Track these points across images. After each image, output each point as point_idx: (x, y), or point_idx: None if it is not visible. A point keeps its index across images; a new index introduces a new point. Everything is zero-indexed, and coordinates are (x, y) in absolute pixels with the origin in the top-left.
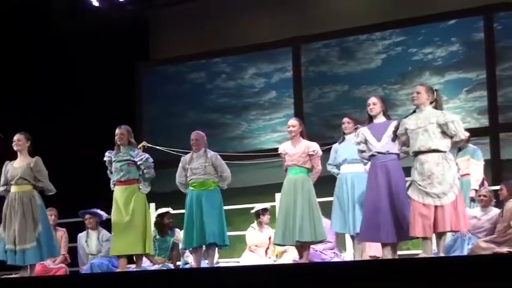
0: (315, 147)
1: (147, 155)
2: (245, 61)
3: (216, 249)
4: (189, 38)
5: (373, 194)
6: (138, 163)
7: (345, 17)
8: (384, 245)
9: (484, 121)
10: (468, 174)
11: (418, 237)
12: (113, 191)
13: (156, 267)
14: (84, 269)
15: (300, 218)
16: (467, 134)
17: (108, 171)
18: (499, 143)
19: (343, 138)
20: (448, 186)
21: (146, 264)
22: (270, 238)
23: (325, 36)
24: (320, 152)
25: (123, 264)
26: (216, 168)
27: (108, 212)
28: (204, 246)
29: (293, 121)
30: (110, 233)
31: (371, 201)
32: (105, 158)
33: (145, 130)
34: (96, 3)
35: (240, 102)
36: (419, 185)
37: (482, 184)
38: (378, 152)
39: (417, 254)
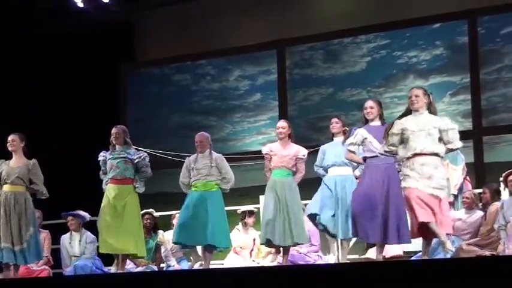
0: (305, 151)
1: (144, 154)
2: (230, 63)
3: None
4: (174, 40)
5: (369, 194)
6: (136, 161)
7: (330, 20)
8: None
9: (468, 124)
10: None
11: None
12: (103, 192)
13: (139, 269)
14: (68, 271)
15: (288, 220)
16: (462, 144)
17: (101, 172)
18: (482, 146)
19: (332, 139)
20: (443, 185)
21: (130, 266)
22: (254, 240)
23: (310, 39)
24: (306, 157)
25: (124, 263)
26: (219, 170)
27: (93, 212)
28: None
29: (283, 123)
30: (94, 234)
31: (367, 201)
32: (99, 158)
33: (130, 132)
34: (80, 5)
35: (224, 104)
36: (418, 179)
37: (461, 187)
38: (381, 154)
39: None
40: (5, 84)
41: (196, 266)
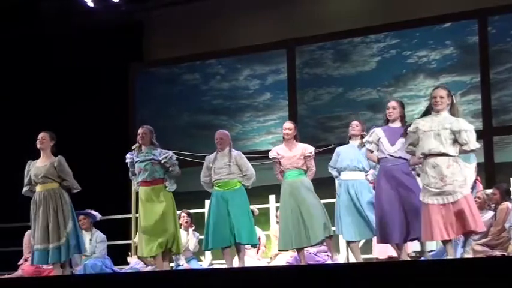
0: (311, 148)
1: (170, 153)
2: (239, 63)
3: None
4: (183, 40)
5: (382, 198)
6: (163, 161)
7: (340, 19)
8: (398, 246)
9: (478, 124)
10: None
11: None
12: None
13: (149, 268)
14: (78, 270)
15: (315, 217)
16: (479, 145)
17: (130, 173)
18: (492, 146)
19: (348, 142)
20: (460, 184)
21: (140, 265)
22: (259, 239)
23: (319, 39)
24: (313, 153)
25: (161, 264)
26: (240, 168)
27: (104, 211)
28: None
29: (289, 124)
30: (104, 234)
31: (381, 205)
32: (127, 160)
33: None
34: (90, 4)
35: (234, 103)
36: (432, 188)
37: (474, 186)
38: (390, 155)
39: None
40: (13, 83)
41: (206, 265)
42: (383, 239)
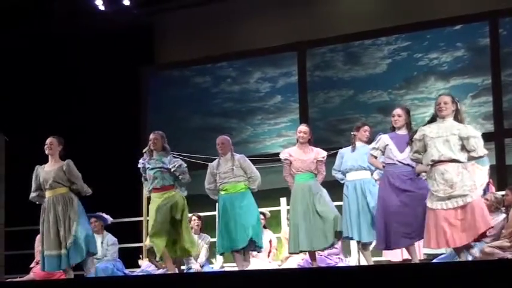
0: (324, 153)
1: (180, 161)
2: (250, 65)
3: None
4: (194, 42)
5: (388, 202)
6: (172, 170)
7: (351, 21)
8: (409, 249)
9: (489, 126)
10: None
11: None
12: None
13: (160, 271)
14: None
15: (326, 220)
16: (486, 151)
17: (143, 178)
18: (504, 148)
19: (354, 146)
20: (469, 188)
21: (151, 268)
22: (270, 241)
23: (330, 41)
24: (326, 158)
25: (172, 267)
26: (244, 170)
27: (114, 214)
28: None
29: (305, 127)
30: (115, 237)
31: (383, 210)
32: (139, 165)
33: (149, 134)
34: (101, 7)
35: (245, 106)
36: (441, 194)
37: (487, 189)
38: (399, 161)
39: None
40: (22, 85)
41: (217, 268)
42: (383, 245)
